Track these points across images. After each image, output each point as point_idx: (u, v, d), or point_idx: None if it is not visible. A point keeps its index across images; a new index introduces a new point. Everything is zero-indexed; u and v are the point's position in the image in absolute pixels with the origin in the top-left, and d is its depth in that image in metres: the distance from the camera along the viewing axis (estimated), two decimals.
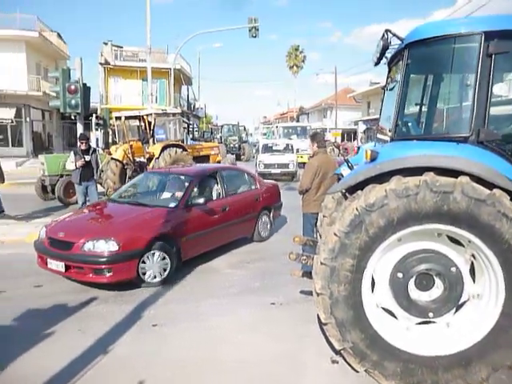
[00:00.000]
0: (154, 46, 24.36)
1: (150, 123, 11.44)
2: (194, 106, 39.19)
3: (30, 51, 27.09)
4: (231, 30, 23.83)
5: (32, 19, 27.14)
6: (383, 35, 3.76)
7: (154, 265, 5.45)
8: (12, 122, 25.29)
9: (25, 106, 26.42)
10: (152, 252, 5.42)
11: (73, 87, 8.99)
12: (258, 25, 20.62)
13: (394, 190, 3.10)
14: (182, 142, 12.02)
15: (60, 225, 5.97)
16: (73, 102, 9.03)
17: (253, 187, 7.87)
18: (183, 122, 12.67)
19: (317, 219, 5.41)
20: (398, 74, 3.87)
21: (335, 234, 3.23)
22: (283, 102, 66.59)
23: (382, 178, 3.28)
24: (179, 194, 6.49)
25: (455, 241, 3.32)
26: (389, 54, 4.14)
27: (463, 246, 3.31)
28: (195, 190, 6.61)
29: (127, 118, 11.92)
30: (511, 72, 4.17)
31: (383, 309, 3.50)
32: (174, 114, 12.53)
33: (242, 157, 29.74)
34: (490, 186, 3.05)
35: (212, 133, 35.28)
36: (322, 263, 3.29)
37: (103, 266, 5.10)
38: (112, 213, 6.40)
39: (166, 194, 6.99)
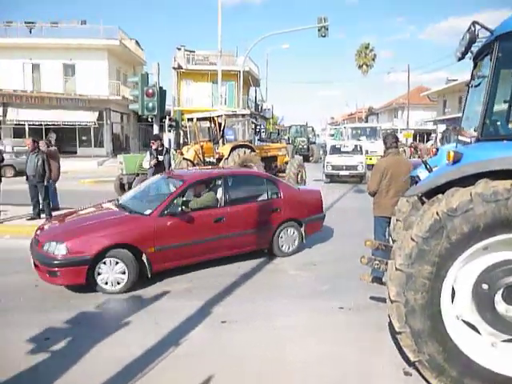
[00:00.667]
0: (224, 49, 25.07)
1: (220, 124, 11.74)
2: (261, 107, 39.61)
3: (111, 58, 29.19)
4: (300, 30, 23.74)
5: (114, 29, 29.22)
6: (470, 27, 3.51)
7: (110, 273, 5.20)
8: (95, 124, 27.36)
9: (106, 109, 28.48)
10: (104, 260, 5.16)
11: (150, 91, 9.49)
12: (327, 24, 20.33)
13: (480, 194, 2.87)
14: (251, 142, 12.18)
15: (53, 223, 6.21)
16: (150, 104, 9.54)
17: (272, 196, 6.87)
18: (251, 122, 12.83)
19: (389, 223, 5.21)
20: (486, 69, 3.58)
21: (412, 239, 3.07)
22: (351, 103, 65.12)
23: (465, 181, 3.06)
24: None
25: None
26: (474, 48, 3.86)
27: None
28: (182, 196, 6.00)
29: (199, 119, 12.34)
30: None
31: (464, 321, 3.26)
32: (243, 115, 12.75)
33: (311, 158, 29.40)
34: None
35: (279, 134, 35.29)
36: (397, 269, 3.14)
37: (53, 269, 5.08)
38: (92, 215, 6.07)
39: (153, 200, 6.39)
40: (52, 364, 3.63)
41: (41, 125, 26.05)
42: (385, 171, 5.46)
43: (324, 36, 20.46)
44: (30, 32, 28.98)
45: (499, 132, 3.70)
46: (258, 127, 19.88)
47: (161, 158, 8.67)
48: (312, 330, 4.34)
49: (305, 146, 30.62)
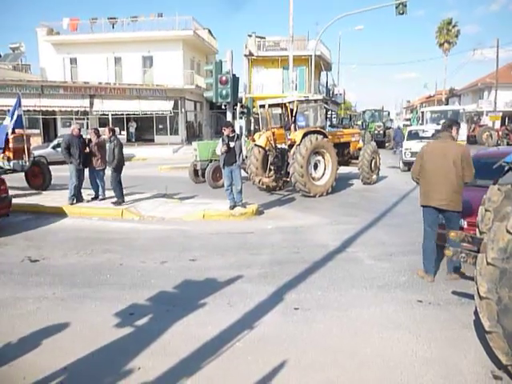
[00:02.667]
0: (295, 34, 24.64)
1: (291, 110, 11.61)
2: (332, 93, 38.66)
3: (185, 49, 30.19)
4: (376, 9, 22.57)
5: (188, 20, 30.12)
6: None
7: None
8: (170, 113, 28.60)
9: (181, 98, 29.61)
10: None
11: (224, 78, 9.63)
12: (406, 0, 19.11)
13: None
14: (323, 128, 11.92)
15: None
16: (224, 92, 9.69)
17: None
18: (323, 108, 12.52)
19: (437, 215, 5.08)
20: None
21: (509, 232, 2.79)
22: (430, 85, 61.01)
23: None
24: None
25: None
26: None
27: None
28: None
29: (271, 105, 12.31)
30: None
31: None
32: (315, 101, 12.49)
33: (387, 144, 27.99)
34: None
35: (351, 119, 34.29)
36: (489, 263, 2.88)
37: None
38: None
39: None
40: (135, 339, 3.88)
41: (122, 114, 27.85)
42: (424, 156, 5.09)
43: (402, 13, 19.29)
44: (113, 27, 30.89)
45: None
46: (330, 113, 19.41)
47: (232, 144, 8.80)
48: (389, 323, 4.16)
49: (381, 132, 29.30)
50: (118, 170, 9.49)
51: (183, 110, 30.20)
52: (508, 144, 27.12)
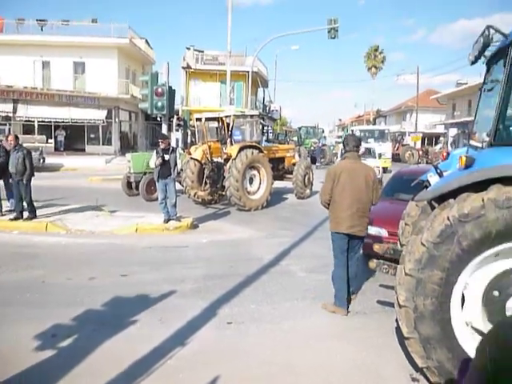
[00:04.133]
0: (233, 50, 25.08)
1: (228, 124, 11.73)
2: (269, 108, 39.59)
3: (121, 57, 29.35)
4: (310, 32, 23.69)
5: (124, 28, 29.38)
6: (484, 31, 3.47)
7: None
8: (103, 122, 27.52)
9: (115, 107, 28.63)
10: None
11: (160, 90, 9.53)
12: (337, 26, 20.30)
13: (493, 200, 2.84)
14: (259, 143, 12.16)
15: None
16: (159, 104, 9.58)
17: None
18: (260, 123, 12.81)
19: (348, 242, 4.77)
20: (499, 74, 3.54)
21: (423, 244, 3.04)
22: (360, 104, 64.85)
23: (477, 186, 3.03)
24: None
25: None
26: (488, 53, 3.82)
27: None
28: None
29: (207, 119, 12.35)
30: None
31: (473, 328, 3.23)
32: (251, 116, 12.74)
33: (322, 160, 29.06)
34: None
35: (286, 135, 35.30)
36: (406, 274, 3.11)
37: None
38: None
39: None
40: (57, 362, 3.64)
41: (50, 122, 26.25)
42: (336, 178, 4.67)
43: (334, 38, 20.43)
44: (42, 30, 29.25)
45: None
46: (265, 128, 19.87)
47: (167, 157, 8.68)
48: (320, 334, 4.31)
49: (316, 148, 30.43)
50: (30, 181, 8.79)
51: (117, 119, 29.20)
52: (427, 162, 29.48)
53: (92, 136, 28.92)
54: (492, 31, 3.47)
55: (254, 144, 11.69)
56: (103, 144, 28.44)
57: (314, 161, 24.67)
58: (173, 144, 13.47)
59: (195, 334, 4.18)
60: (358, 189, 4.67)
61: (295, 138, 32.07)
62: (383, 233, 5.93)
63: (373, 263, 4.11)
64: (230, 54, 23.49)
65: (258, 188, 11.78)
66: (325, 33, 20.65)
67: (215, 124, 13.21)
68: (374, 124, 47.58)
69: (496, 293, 3.04)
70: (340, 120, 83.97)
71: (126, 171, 13.33)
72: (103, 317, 4.59)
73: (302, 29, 25.65)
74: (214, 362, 3.69)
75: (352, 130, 25.94)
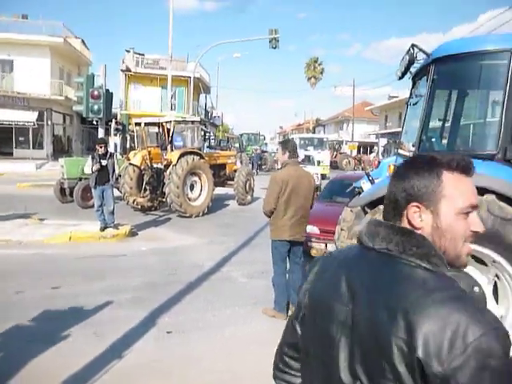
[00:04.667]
0: (175, 55, 24.84)
1: (168, 130, 11.56)
2: (211, 115, 39.56)
3: (54, 56, 27.84)
4: (251, 40, 24.07)
5: (58, 25, 27.98)
6: (409, 50, 3.76)
7: None
8: (34, 124, 25.90)
9: (47, 109, 27.06)
10: None
11: (96, 93, 9.17)
12: (278, 36, 20.83)
13: None
14: (200, 149, 12.10)
15: None
16: (95, 107, 9.21)
17: None
18: (201, 130, 12.75)
19: (290, 249, 4.81)
20: (423, 89, 3.85)
21: None
22: (300, 113, 66.83)
23: None
24: None
25: (479, 260, 3.26)
26: (413, 69, 4.13)
27: (487, 265, 3.24)
28: None
29: (147, 124, 12.07)
30: None
31: None
32: (192, 122, 12.64)
33: (264, 166, 29.49)
34: None
35: (228, 141, 35.45)
36: None
37: None
38: None
39: None
40: None
41: None
42: (283, 185, 4.60)
43: (275, 48, 20.93)
44: None
45: (434, 147, 3.98)
46: (207, 134, 19.81)
47: (104, 162, 8.37)
48: (261, 340, 4.35)
49: (258, 155, 30.86)
50: None
51: (50, 122, 27.59)
52: (362, 169, 31.02)
53: (21, 139, 27.11)
54: (416, 50, 3.76)
55: (195, 150, 11.61)
56: (34, 148, 26.76)
57: (258, 167, 25.05)
58: (111, 149, 13.01)
59: (133, 346, 4.05)
60: (303, 196, 4.73)
61: (237, 145, 32.29)
62: (315, 230, 6.43)
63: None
64: (172, 59, 23.21)
65: (199, 194, 11.70)
66: (266, 42, 21.12)
67: (155, 129, 12.96)
68: (314, 132, 49.28)
69: None
70: (281, 128, 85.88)
71: (59, 177, 12.62)
72: (34, 332, 4.29)
73: (243, 37, 25.98)
74: (152, 374, 3.60)
75: (292, 138, 26.63)
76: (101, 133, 9.99)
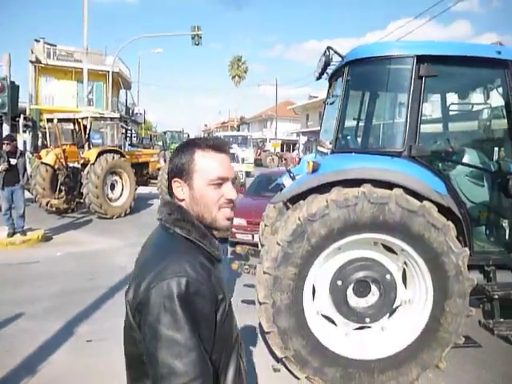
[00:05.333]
0: (91, 47, 23.43)
1: (85, 127, 10.91)
2: (132, 112, 38.03)
3: None
4: (174, 36, 23.56)
5: None
6: (325, 52, 3.93)
7: None
8: None
9: None
10: None
11: None
12: (200, 33, 20.60)
13: (334, 201, 3.22)
14: (120, 147, 11.60)
15: None
16: None
17: None
18: (121, 127, 12.21)
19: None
20: (339, 90, 4.05)
21: (278, 244, 3.28)
22: (225, 111, 66.98)
23: (323, 188, 3.40)
24: None
25: (389, 249, 3.52)
26: (330, 70, 4.33)
27: (396, 254, 3.52)
28: None
29: (60, 120, 11.28)
30: (440, 93, 4.55)
31: (323, 316, 3.61)
32: (111, 119, 12.06)
33: None
34: (420, 198, 3.28)
35: (151, 139, 34.41)
36: (264, 272, 3.32)
37: None
38: None
39: None
40: None
41: None
42: None
43: (198, 44, 20.69)
44: None
45: (349, 145, 4.22)
46: (129, 132, 19.06)
47: (13, 161, 7.66)
48: None
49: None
50: None
51: None
52: (285, 167, 31.96)
53: None
54: (332, 52, 3.94)
55: (115, 148, 11.11)
56: None
57: None
58: (20, 147, 11.94)
59: (48, 359, 3.77)
60: None
61: (160, 143, 31.49)
62: (243, 222, 6.99)
63: (235, 264, 4.27)
64: (87, 52, 21.88)
65: (121, 194, 11.25)
66: (190, 39, 20.78)
67: (71, 126, 12.15)
68: (238, 130, 49.63)
69: (339, 282, 3.45)
70: (206, 126, 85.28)
71: None
72: None
73: (166, 32, 25.34)
74: None
75: (217, 136, 26.64)
76: (6, 129, 9.10)
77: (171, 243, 1.21)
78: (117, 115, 12.86)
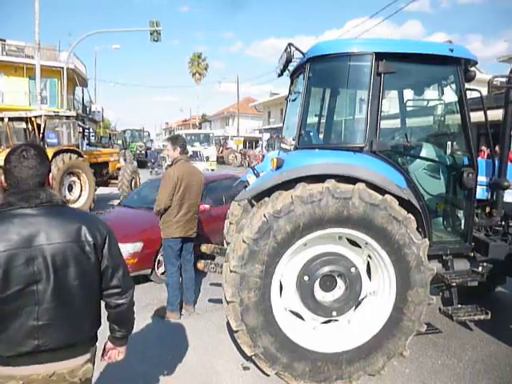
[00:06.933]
0: (44, 42, 22.34)
1: (39, 126, 10.41)
2: (89, 109, 36.77)
3: None
4: (131, 32, 22.94)
5: None
6: (286, 48, 3.92)
7: None
8: None
9: None
10: None
11: None
12: (159, 29, 20.18)
13: (299, 197, 3.23)
14: (77, 147, 11.17)
15: None
16: None
17: None
18: (78, 125, 11.76)
19: (181, 246, 4.73)
20: (300, 86, 4.06)
21: (244, 241, 3.26)
22: (186, 109, 66.14)
23: (287, 185, 3.41)
24: None
25: (354, 243, 3.58)
26: (291, 67, 4.34)
27: (360, 247, 3.59)
28: None
29: (11, 119, 10.72)
30: (398, 90, 4.67)
31: (291, 312, 3.63)
32: (67, 117, 11.57)
33: (149, 164, 28.38)
34: (382, 191, 3.35)
35: (110, 138, 33.39)
36: (231, 271, 3.29)
37: None
38: None
39: None
40: None
41: None
42: (178, 182, 4.52)
43: (156, 40, 20.25)
44: None
45: (312, 141, 4.25)
46: (87, 131, 18.40)
47: None
48: (153, 340, 4.20)
49: (143, 152, 29.57)
50: None
51: None
52: (248, 164, 31.96)
53: None
54: (293, 48, 3.94)
55: (72, 148, 10.68)
56: None
57: (142, 165, 24.03)
58: None
59: None
60: (195, 193, 4.75)
61: (120, 142, 30.62)
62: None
63: (201, 264, 4.22)
64: (39, 47, 20.86)
65: (80, 195, 10.86)
66: (148, 35, 20.30)
67: (23, 125, 11.56)
68: (200, 128, 49.20)
69: (306, 277, 3.48)
70: (167, 123, 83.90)
71: None
72: None
73: (123, 28, 24.63)
74: None
75: (179, 134, 26.23)
76: None
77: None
78: (73, 113, 12.37)
